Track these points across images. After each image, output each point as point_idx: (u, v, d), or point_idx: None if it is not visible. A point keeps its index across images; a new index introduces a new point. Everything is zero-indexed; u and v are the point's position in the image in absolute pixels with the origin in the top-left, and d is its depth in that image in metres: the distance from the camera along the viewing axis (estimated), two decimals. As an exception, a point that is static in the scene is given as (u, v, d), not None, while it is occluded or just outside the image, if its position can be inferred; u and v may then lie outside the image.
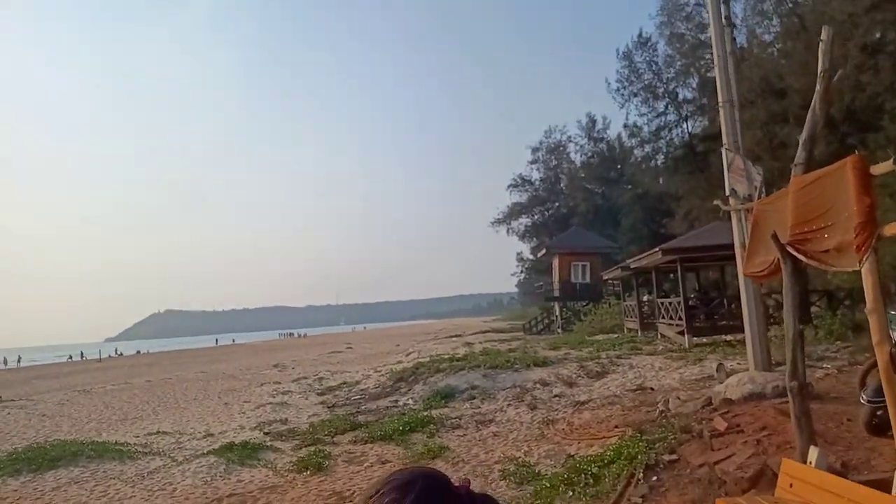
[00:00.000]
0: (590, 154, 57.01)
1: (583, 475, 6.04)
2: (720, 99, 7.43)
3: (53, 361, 62.59)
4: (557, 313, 38.56)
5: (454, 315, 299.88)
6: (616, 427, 8.10)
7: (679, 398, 8.28)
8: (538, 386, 12.80)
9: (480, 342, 29.36)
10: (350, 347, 45.09)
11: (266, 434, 10.93)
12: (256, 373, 25.77)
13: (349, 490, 7.17)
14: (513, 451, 8.32)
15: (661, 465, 5.77)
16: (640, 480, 5.57)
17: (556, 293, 37.93)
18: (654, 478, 5.57)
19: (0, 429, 13.84)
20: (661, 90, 38.95)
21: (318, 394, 16.73)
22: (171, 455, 9.64)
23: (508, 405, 11.52)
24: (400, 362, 23.24)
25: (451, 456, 8.29)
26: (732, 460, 5.02)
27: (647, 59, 39.13)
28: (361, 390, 16.51)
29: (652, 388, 10.87)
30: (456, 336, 44.54)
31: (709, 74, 36.68)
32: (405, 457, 8.46)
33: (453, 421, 10.51)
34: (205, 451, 9.45)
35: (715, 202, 7.07)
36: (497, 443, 8.95)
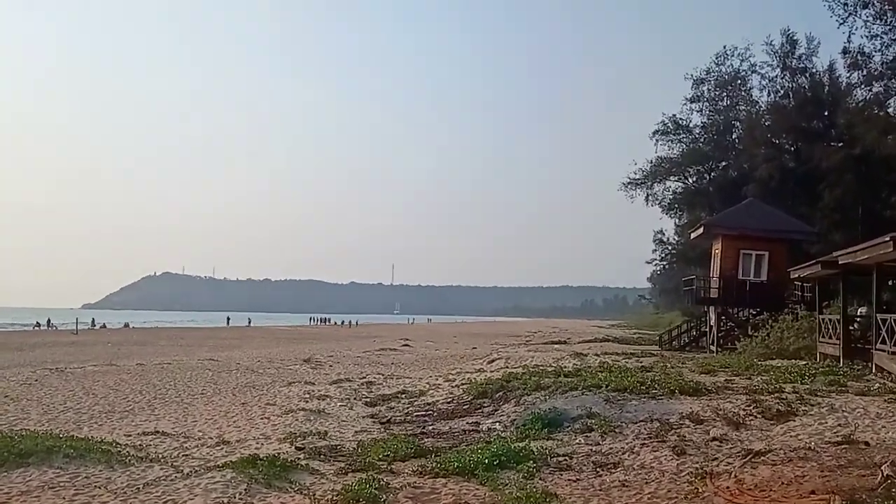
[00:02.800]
0: (782, 92, 54.69)
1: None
2: None
3: (14, 329, 67.39)
4: (713, 323, 37.63)
5: (554, 314, 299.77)
6: (813, 493, 7.83)
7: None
8: (687, 422, 12.61)
9: (596, 354, 29.14)
10: (408, 345, 46.00)
11: (299, 449, 11.30)
12: (282, 367, 26.78)
13: (416, 539, 7.28)
14: (652, 511, 8.20)
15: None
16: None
17: (714, 293, 36.99)
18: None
19: (-46, 407, 14.97)
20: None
21: (367, 403, 17.22)
22: (174, 464, 10.09)
23: (642, 445, 11.40)
24: (481, 371, 23.48)
25: (561, 509, 8.28)
26: None
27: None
28: (427, 404, 16.85)
29: (867, 443, 10.46)
30: (559, 343, 44.42)
31: None
32: (494, 501, 8.49)
33: (561, 459, 10.53)
34: (219, 464, 9.84)
35: None
36: (627, 496, 8.86)
